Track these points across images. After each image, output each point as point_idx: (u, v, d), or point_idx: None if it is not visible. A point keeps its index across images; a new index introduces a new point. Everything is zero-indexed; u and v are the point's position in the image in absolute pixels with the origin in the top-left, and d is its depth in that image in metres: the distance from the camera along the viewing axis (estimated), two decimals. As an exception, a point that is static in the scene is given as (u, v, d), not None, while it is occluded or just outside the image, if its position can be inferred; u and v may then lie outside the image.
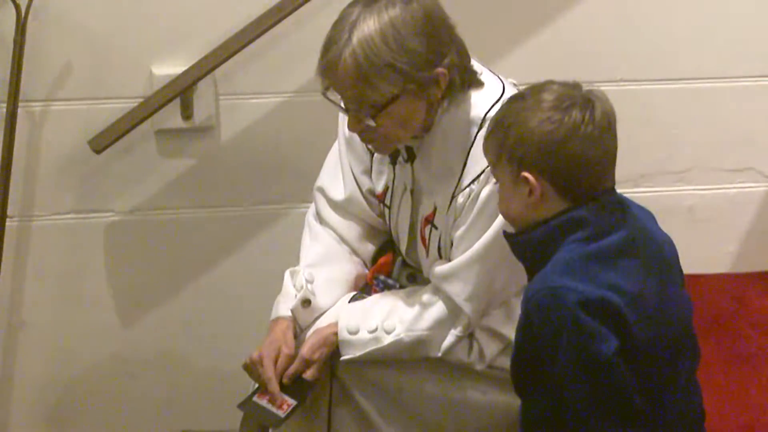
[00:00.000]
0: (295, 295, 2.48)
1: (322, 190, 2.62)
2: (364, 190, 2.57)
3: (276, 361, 2.42)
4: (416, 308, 2.41)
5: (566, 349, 2.00)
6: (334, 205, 2.60)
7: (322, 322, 2.47)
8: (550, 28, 3.06)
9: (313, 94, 3.01)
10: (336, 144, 2.62)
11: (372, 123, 2.28)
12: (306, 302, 2.47)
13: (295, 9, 2.88)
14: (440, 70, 2.27)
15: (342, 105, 2.34)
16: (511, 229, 2.18)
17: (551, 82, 2.09)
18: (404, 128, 2.32)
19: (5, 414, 3.21)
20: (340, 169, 2.59)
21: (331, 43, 2.26)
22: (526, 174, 2.05)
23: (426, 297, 2.42)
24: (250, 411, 2.44)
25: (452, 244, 2.40)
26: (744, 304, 3.05)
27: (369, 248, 2.61)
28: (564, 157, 2.04)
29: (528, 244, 2.11)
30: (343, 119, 2.57)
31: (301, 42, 2.99)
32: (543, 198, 2.07)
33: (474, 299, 2.37)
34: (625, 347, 2.01)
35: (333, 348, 2.42)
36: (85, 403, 3.22)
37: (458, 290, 2.37)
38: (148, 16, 2.96)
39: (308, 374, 2.41)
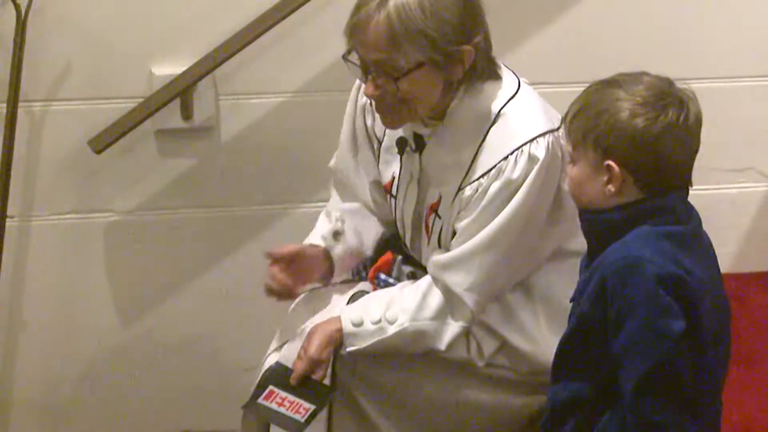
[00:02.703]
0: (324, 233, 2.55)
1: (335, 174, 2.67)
2: (370, 181, 2.59)
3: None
4: (417, 298, 2.41)
5: (636, 319, 2.01)
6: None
7: (323, 317, 2.48)
8: (550, 29, 3.06)
9: (313, 94, 3.05)
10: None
11: (391, 86, 2.29)
12: (337, 234, 2.53)
13: (295, 9, 2.89)
14: (467, 48, 2.30)
15: (361, 73, 2.34)
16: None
17: (644, 74, 2.11)
18: (419, 100, 2.33)
19: (5, 414, 3.20)
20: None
21: (364, 3, 2.28)
22: (611, 163, 2.06)
23: (424, 287, 2.42)
24: (263, 415, 2.41)
25: (454, 235, 2.41)
26: (744, 304, 3.05)
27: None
28: (652, 154, 2.05)
29: (604, 223, 2.11)
30: (352, 106, 2.57)
31: (301, 42, 3.00)
32: (621, 187, 2.08)
33: (475, 290, 2.37)
34: (690, 331, 2.02)
35: (338, 345, 2.42)
36: (85, 403, 3.21)
37: (459, 280, 2.37)
38: (148, 16, 2.97)
39: (317, 375, 2.41)
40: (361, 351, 2.41)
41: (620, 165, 2.06)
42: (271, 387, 2.42)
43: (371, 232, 2.62)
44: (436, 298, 2.41)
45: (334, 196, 2.68)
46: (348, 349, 2.42)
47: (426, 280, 2.44)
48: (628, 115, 2.04)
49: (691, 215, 2.13)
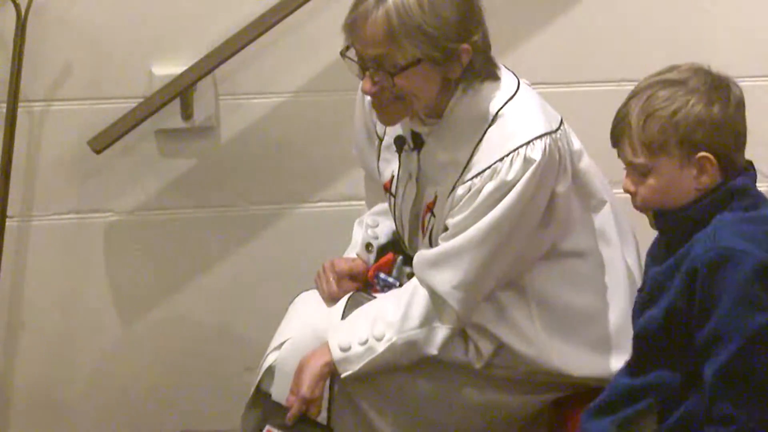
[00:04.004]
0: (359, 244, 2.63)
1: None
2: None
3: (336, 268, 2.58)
4: (401, 310, 2.41)
5: (726, 310, 2.03)
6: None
7: (321, 318, 2.49)
8: (550, 28, 3.06)
9: (313, 94, 3.05)
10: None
11: (388, 82, 2.30)
12: (369, 246, 2.59)
13: (295, 9, 2.89)
14: (465, 46, 2.31)
15: (358, 69, 2.35)
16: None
17: (674, 68, 2.17)
18: (416, 98, 2.34)
19: (5, 414, 3.21)
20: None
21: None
22: (706, 154, 2.10)
23: (407, 296, 2.42)
24: None
25: (445, 230, 2.40)
26: (744, 304, 3.04)
27: None
28: (733, 134, 2.14)
29: (688, 215, 2.13)
30: (360, 108, 2.58)
31: (301, 42, 3.00)
32: (710, 175, 2.12)
33: (461, 288, 2.37)
34: None
35: (329, 376, 2.42)
36: (85, 402, 3.22)
37: (446, 278, 2.37)
38: (148, 16, 2.97)
39: (312, 412, 2.42)
40: (356, 374, 2.41)
41: (712, 154, 2.11)
42: (268, 426, 2.43)
43: None
44: (419, 306, 2.40)
45: (366, 196, 2.73)
46: (342, 375, 2.41)
47: (408, 289, 2.44)
48: (704, 106, 2.10)
49: (762, 199, 2.17)
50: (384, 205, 2.63)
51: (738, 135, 2.14)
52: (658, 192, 2.14)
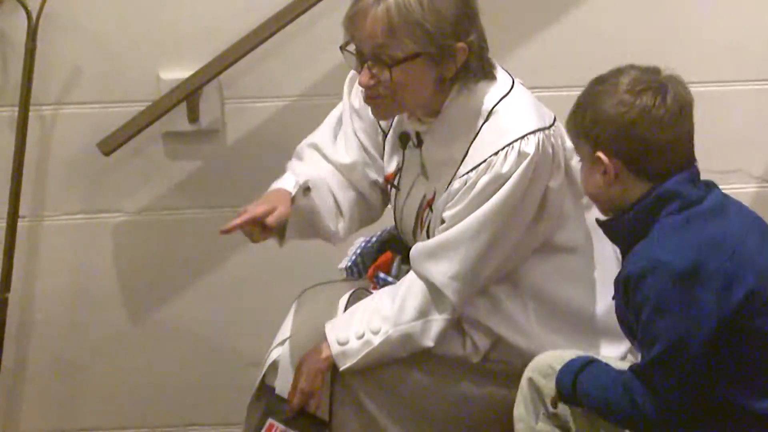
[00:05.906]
0: (296, 182, 2.46)
1: (317, 147, 2.61)
2: (367, 162, 2.60)
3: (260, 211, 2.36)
4: (397, 303, 2.43)
5: (644, 313, 2.07)
6: (335, 165, 2.59)
7: (324, 316, 2.51)
8: (550, 29, 3.07)
9: (317, 98, 3.04)
10: (337, 111, 2.63)
11: (385, 75, 2.32)
12: (307, 190, 2.47)
13: (300, 14, 2.91)
14: (461, 45, 2.34)
15: (356, 65, 2.38)
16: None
17: (632, 66, 2.17)
18: (411, 93, 2.36)
19: (17, 407, 3.23)
20: (343, 135, 2.60)
21: None
22: (599, 154, 2.12)
23: (403, 290, 2.44)
24: None
25: (442, 224, 2.42)
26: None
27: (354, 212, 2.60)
28: (634, 139, 2.11)
29: (622, 228, 2.16)
30: (350, 88, 2.58)
31: (306, 47, 3.02)
32: (618, 178, 2.13)
33: (458, 279, 2.39)
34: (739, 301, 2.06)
35: (328, 371, 2.45)
36: (94, 397, 3.24)
37: (443, 269, 2.39)
38: (156, 22, 3.00)
39: (311, 406, 2.45)
40: (355, 367, 2.43)
41: (609, 155, 2.12)
42: (270, 420, 2.47)
43: (347, 204, 2.57)
44: (415, 299, 2.42)
45: (323, 134, 2.62)
46: (341, 369, 2.44)
47: (404, 283, 2.46)
48: (608, 105, 2.11)
49: (711, 189, 2.16)
50: (316, 156, 2.57)
51: (644, 141, 2.10)
52: (582, 181, 2.20)
